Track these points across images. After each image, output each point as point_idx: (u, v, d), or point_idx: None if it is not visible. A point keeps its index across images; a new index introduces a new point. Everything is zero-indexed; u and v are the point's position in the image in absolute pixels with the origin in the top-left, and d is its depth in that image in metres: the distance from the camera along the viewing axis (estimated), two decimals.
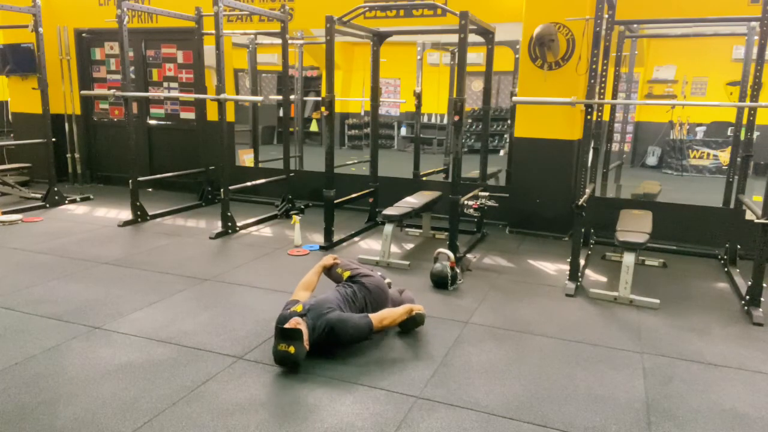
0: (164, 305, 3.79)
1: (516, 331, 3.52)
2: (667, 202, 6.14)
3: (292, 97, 8.20)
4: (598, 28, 4.15)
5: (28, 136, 7.48)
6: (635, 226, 4.39)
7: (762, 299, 3.82)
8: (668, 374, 3.01)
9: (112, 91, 6.21)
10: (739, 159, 4.90)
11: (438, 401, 2.68)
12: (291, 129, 8.28)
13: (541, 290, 4.28)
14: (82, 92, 7.35)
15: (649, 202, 6.22)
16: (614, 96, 5.77)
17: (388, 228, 4.81)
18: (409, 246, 5.46)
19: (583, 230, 4.47)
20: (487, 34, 5.45)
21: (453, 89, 7.40)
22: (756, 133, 4.71)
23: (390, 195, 5.72)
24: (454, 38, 4.84)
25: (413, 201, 5.36)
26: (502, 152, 11.16)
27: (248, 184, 6.33)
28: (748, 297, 3.87)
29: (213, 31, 5.46)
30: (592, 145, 4.63)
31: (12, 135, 8.88)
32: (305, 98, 11.73)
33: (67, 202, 6.88)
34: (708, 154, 10.55)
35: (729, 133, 9.78)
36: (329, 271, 3.61)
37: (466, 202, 4.77)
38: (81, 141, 8.13)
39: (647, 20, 5.94)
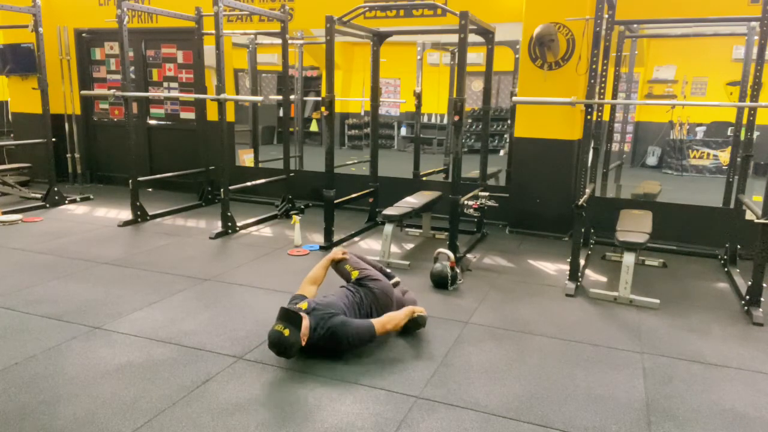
0: (164, 305, 3.79)
1: (516, 331, 3.52)
2: (667, 202, 6.15)
3: (292, 97, 8.20)
4: (598, 28, 4.15)
5: (28, 136, 7.50)
6: (635, 226, 4.39)
7: (762, 299, 3.82)
8: (668, 374, 3.01)
9: (112, 91, 6.21)
10: (739, 159, 4.91)
11: (438, 401, 2.68)
12: (291, 129, 8.28)
13: (541, 290, 4.28)
14: (82, 92, 7.34)
15: (649, 202, 6.21)
16: (614, 96, 5.77)
17: (388, 228, 4.81)
18: (409, 246, 5.46)
19: (583, 230, 4.47)
20: (487, 34, 5.45)
21: (453, 89, 7.40)
22: (756, 133, 4.71)
23: (390, 195, 5.72)
24: (454, 38, 4.84)
25: (413, 201, 5.36)
26: (502, 152, 11.17)
27: (248, 184, 6.33)
28: (748, 297, 3.87)
29: (213, 31, 5.46)
30: (592, 145, 4.63)
31: (12, 135, 8.87)
32: (305, 98, 11.74)
33: (67, 202, 6.88)
34: (708, 154, 10.55)
35: (729, 133, 9.78)
36: (337, 264, 3.55)
37: (466, 202, 4.77)
38: (81, 141, 8.13)
39: (647, 20, 5.94)
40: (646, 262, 4.96)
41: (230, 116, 7.39)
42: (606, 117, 5.93)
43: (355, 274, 3.45)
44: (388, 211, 4.92)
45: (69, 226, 5.85)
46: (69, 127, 8.02)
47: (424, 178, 7.30)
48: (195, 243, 5.35)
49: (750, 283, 3.86)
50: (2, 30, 7.91)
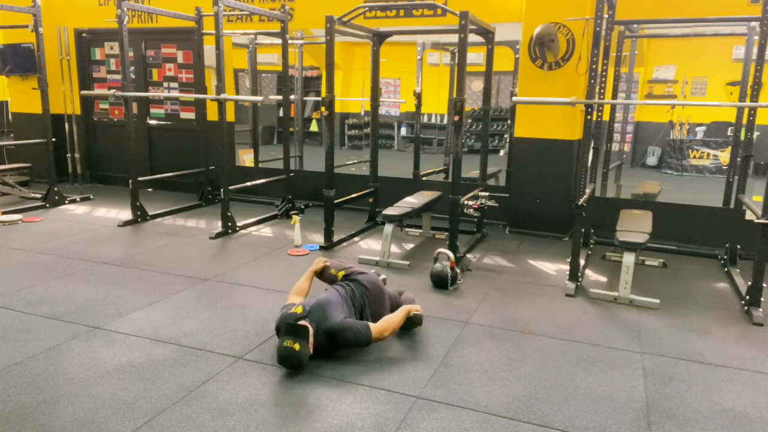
0: (164, 305, 3.79)
1: (516, 331, 3.52)
2: (667, 202, 6.15)
3: (292, 97, 8.20)
4: (598, 28, 4.15)
5: (28, 136, 7.49)
6: (635, 226, 4.39)
7: (762, 299, 3.82)
8: (668, 374, 3.01)
9: (112, 91, 6.21)
10: (739, 159, 4.90)
11: (438, 401, 2.68)
12: (291, 129, 8.27)
13: (541, 290, 4.28)
14: (82, 92, 7.34)
15: (649, 202, 6.21)
16: (614, 96, 5.77)
17: (388, 228, 4.81)
18: (409, 246, 5.46)
19: (583, 230, 4.47)
20: (487, 34, 5.45)
21: (453, 89, 7.40)
22: (756, 133, 4.72)
23: (390, 195, 5.72)
24: (454, 38, 4.84)
25: (413, 201, 5.36)
26: (502, 152, 11.17)
27: (248, 184, 6.33)
28: (748, 297, 3.87)
29: (213, 31, 5.46)
30: (592, 145, 4.63)
31: (12, 135, 8.87)
32: (305, 98, 11.73)
33: (67, 202, 6.88)
34: (708, 154, 10.55)
35: (729, 133, 9.78)
36: (321, 274, 3.56)
37: (466, 202, 4.77)
38: (81, 141, 8.14)
39: (647, 20, 5.94)
40: (646, 262, 4.96)
41: (230, 116, 7.39)
42: (606, 117, 5.94)
43: (341, 274, 3.47)
44: (388, 211, 4.92)
45: (69, 226, 5.85)
46: (69, 127, 8.02)
47: (424, 178, 7.30)
48: (195, 243, 5.35)
49: (750, 283, 3.86)
50: (2, 30, 7.91)
